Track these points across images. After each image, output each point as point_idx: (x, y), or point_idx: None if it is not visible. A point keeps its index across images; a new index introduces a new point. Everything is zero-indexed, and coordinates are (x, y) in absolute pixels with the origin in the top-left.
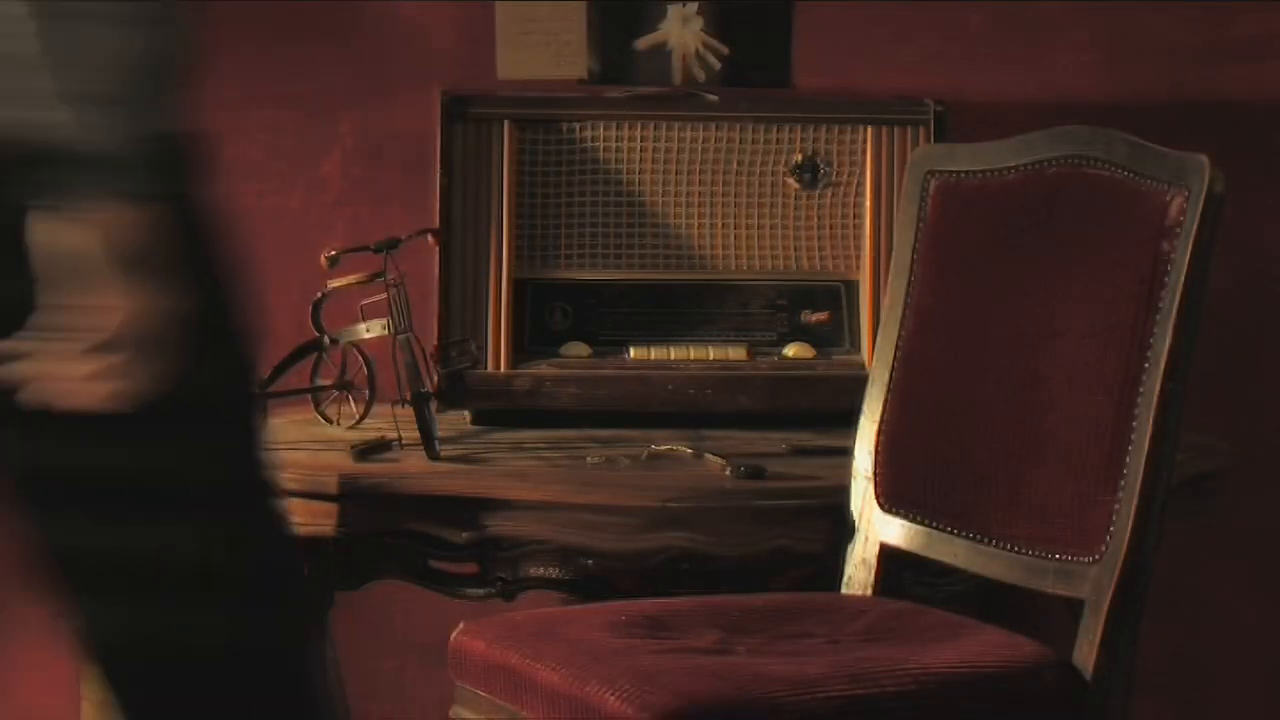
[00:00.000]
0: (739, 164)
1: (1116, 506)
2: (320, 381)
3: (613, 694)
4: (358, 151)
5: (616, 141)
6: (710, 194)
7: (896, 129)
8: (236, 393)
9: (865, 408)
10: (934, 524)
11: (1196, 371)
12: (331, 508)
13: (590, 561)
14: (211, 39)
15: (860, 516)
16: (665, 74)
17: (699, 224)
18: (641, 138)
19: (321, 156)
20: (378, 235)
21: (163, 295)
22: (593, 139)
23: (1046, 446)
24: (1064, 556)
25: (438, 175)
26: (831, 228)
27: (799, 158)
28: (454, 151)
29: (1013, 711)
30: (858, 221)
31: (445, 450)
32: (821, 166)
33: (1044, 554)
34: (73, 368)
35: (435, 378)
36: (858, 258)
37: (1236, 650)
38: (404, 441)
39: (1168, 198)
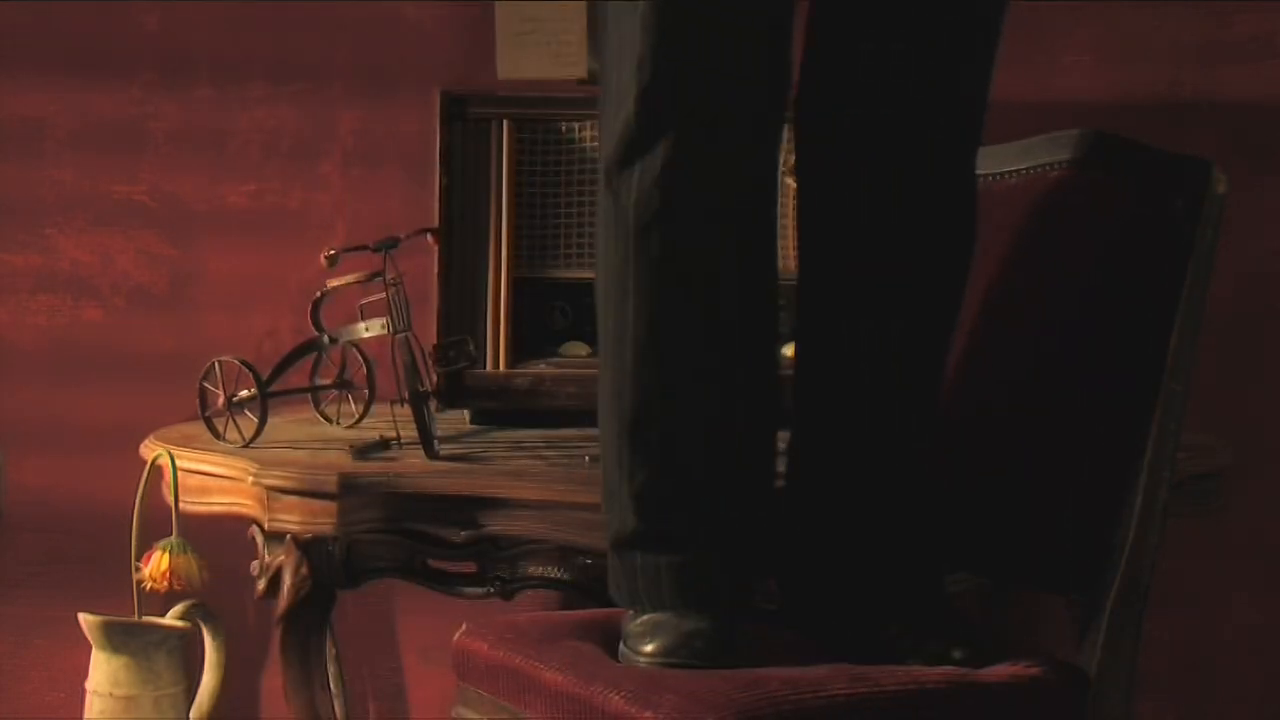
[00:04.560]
0: None
1: (1117, 507)
2: (319, 381)
3: (617, 695)
4: (358, 151)
5: None
6: None
7: None
8: None
9: None
10: None
11: (1196, 371)
12: (331, 506)
13: (589, 560)
14: (211, 39)
15: None
16: None
17: None
18: None
19: (321, 156)
20: (377, 235)
21: None
22: (593, 139)
23: (1048, 447)
24: (1065, 557)
25: (438, 175)
26: None
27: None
28: (454, 151)
29: (1013, 712)
30: None
31: (444, 449)
32: None
33: (1044, 554)
34: None
35: (434, 377)
36: None
37: (1236, 650)
38: (403, 441)
39: (1170, 200)
